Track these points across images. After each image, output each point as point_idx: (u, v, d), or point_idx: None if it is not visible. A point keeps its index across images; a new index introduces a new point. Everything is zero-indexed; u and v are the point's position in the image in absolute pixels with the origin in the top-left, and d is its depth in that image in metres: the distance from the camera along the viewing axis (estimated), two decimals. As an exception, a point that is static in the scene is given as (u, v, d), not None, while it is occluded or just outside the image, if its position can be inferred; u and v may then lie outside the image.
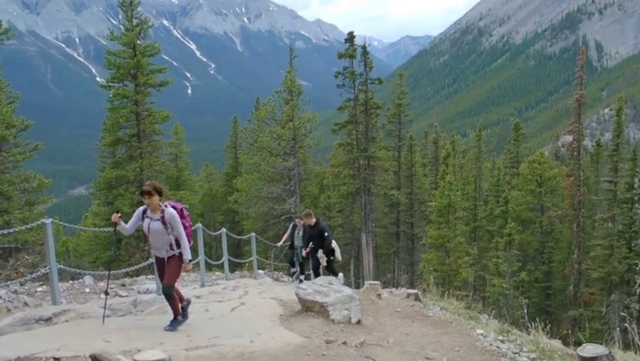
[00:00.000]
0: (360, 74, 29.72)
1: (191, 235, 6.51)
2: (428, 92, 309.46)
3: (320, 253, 11.61)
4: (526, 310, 24.42)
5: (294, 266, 13.30)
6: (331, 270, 11.99)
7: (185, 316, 6.50)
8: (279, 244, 14.30)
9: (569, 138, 31.14)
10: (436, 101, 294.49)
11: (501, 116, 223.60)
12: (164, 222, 6.10)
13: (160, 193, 6.17)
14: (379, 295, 9.64)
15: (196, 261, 11.50)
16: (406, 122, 38.09)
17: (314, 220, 11.88)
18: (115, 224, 6.11)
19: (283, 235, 14.21)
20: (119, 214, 6.05)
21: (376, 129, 31.50)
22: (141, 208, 6.24)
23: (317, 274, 11.92)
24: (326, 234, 11.63)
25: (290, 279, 13.50)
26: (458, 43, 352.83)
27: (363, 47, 29.99)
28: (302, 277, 12.84)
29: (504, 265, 26.66)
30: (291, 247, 13.26)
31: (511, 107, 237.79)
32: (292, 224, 13.45)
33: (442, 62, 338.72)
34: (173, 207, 6.25)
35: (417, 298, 9.65)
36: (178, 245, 6.21)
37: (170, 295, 6.21)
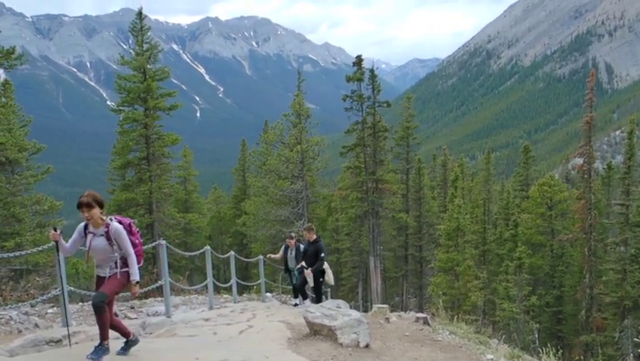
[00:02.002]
0: (368, 97, 29.86)
1: (142, 255, 5.80)
2: (436, 115, 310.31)
3: (307, 271, 11.13)
4: (537, 335, 24.13)
5: (297, 295, 12.72)
6: (318, 292, 11.54)
7: (124, 350, 5.69)
8: (267, 257, 14.07)
9: (579, 161, 31.03)
10: (444, 124, 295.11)
11: (510, 138, 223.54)
12: (108, 238, 5.39)
13: (101, 205, 5.38)
14: (388, 318, 9.56)
15: (204, 283, 11.50)
16: (414, 144, 38.16)
17: (314, 237, 11.36)
18: (55, 242, 5.43)
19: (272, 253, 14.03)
20: (59, 231, 5.35)
21: (384, 152, 31.53)
22: (82, 224, 5.46)
23: (303, 294, 11.63)
24: (322, 255, 11.19)
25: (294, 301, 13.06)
26: (466, 65, 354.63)
27: (371, 71, 30.19)
28: (297, 300, 12.54)
29: (514, 289, 26.40)
30: (286, 270, 12.94)
31: (520, 130, 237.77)
32: (284, 245, 12.99)
33: (450, 84, 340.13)
34: (120, 221, 5.54)
35: (426, 322, 9.56)
36: (124, 264, 5.49)
37: (101, 307, 5.27)
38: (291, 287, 13.89)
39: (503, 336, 13.07)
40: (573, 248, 31.94)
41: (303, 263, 11.36)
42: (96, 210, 5.31)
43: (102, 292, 5.33)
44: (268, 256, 14.18)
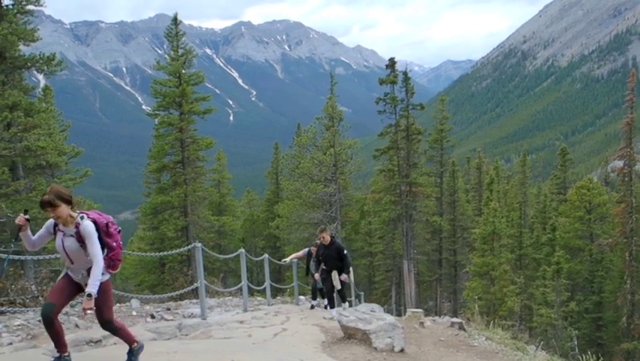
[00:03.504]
0: (401, 99, 29.75)
1: (120, 259, 5.06)
2: (470, 117, 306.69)
3: (336, 276, 10.61)
4: (576, 342, 23.61)
5: (315, 297, 12.76)
6: (342, 294, 11.19)
7: (132, 357, 5.22)
8: (285, 260, 14.05)
9: (619, 163, 30.25)
10: (478, 126, 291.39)
11: (546, 140, 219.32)
12: (79, 239, 4.66)
13: (68, 201, 4.63)
14: (422, 323, 9.46)
15: (239, 286, 11.56)
16: (448, 147, 37.84)
17: (329, 239, 10.76)
18: (19, 228, 4.69)
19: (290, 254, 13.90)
20: (27, 216, 4.70)
21: (418, 155, 31.35)
22: (52, 220, 4.79)
23: (331, 301, 11.07)
24: (345, 252, 10.68)
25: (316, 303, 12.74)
26: (501, 66, 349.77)
27: (405, 73, 30.05)
28: (319, 301, 12.48)
29: (552, 294, 25.87)
30: (307, 272, 12.84)
31: (557, 132, 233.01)
32: (307, 250, 12.91)
33: (485, 86, 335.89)
34: (94, 220, 4.76)
35: (461, 328, 9.43)
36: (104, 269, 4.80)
37: (113, 330, 5.06)
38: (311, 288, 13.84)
39: (541, 343, 12.82)
40: (613, 253, 31.17)
41: (323, 266, 10.89)
42: (63, 208, 4.61)
43: (104, 321, 4.95)
44: (289, 259, 14.03)
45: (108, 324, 4.96)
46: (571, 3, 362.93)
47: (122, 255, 5.11)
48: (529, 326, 28.77)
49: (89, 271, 4.70)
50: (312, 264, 12.27)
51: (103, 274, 4.74)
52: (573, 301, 27.09)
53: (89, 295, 4.55)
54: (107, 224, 4.86)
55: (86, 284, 4.66)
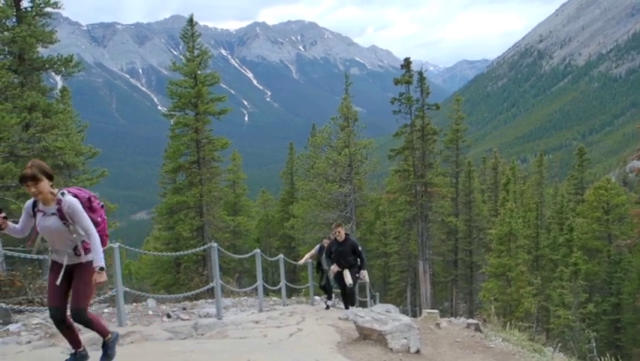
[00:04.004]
0: (416, 99, 29.67)
1: (107, 234, 4.82)
2: (485, 117, 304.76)
3: (347, 273, 10.24)
4: (594, 344, 23.32)
5: (329, 296, 12.54)
6: (352, 294, 10.95)
7: (109, 350, 4.84)
8: (300, 262, 13.88)
9: (637, 163, 29.92)
10: (494, 126, 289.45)
11: (563, 140, 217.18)
12: (62, 217, 4.37)
13: (50, 177, 4.37)
14: (438, 324, 9.42)
15: (254, 286, 11.59)
16: (464, 147, 37.63)
17: (344, 235, 10.41)
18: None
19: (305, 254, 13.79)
20: (3, 214, 4.35)
21: (433, 155, 31.23)
22: (30, 201, 4.50)
23: (346, 299, 10.93)
24: (360, 249, 10.38)
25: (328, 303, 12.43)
26: (517, 66, 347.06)
27: (420, 73, 29.97)
28: (330, 302, 12.26)
29: (569, 295, 25.62)
30: (319, 269, 12.76)
31: (574, 132, 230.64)
32: (319, 245, 12.80)
33: (500, 85, 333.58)
34: (75, 195, 4.48)
35: (477, 329, 9.37)
36: (89, 249, 4.48)
37: (86, 322, 4.60)
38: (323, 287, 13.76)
39: (559, 345, 12.70)
40: (632, 254, 30.79)
41: (334, 267, 10.56)
42: (44, 183, 4.31)
43: (78, 308, 4.48)
44: (304, 260, 13.89)
45: (81, 313, 4.50)
46: (588, 2, 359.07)
47: (108, 230, 4.82)
48: (547, 328, 28.54)
49: (75, 250, 4.47)
50: (324, 259, 12.07)
51: (86, 253, 4.49)
52: (591, 303, 26.81)
53: (101, 268, 4.37)
54: (89, 198, 4.57)
55: (75, 266, 4.47)
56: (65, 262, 4.48)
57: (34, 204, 4.46)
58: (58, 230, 4.39)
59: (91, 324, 4.62)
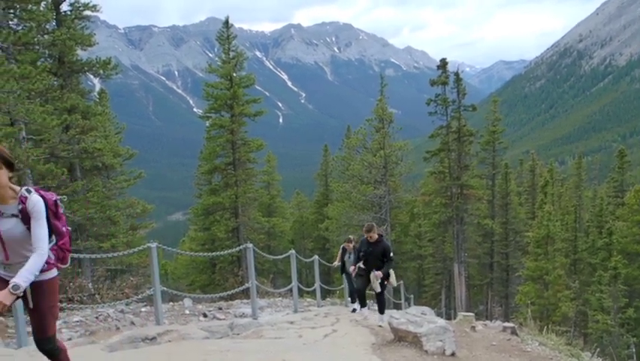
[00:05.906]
0: (452, 100, 29.41)
1: (69, 250, 3.70)
2: (523, 119, 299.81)
3: (378, 273, 9.50)
4: (633, 350, 22.75)
5: (354, 300, 12.13)
6: (382, 297, 10.18)
7: None
8: (335, 264, 13.68)
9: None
10: (531, 128, 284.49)
11: (602, 142, 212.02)
12: (25, 219, 3.33)
13: (10, 165, 3.31)
14: (473, 327, 9.31)
15: (289, 287, 11.65)
16: (500, 149, 37.06)
17: (376, 236, 9.62)
18: None
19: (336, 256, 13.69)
20: None
21: (469, 157, 30.90)
22: None
23: (362, 299, 10.51)
24: (391, 254, 9.75)
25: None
26: (555, 66, 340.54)
27: (456, 74, 29.68)
28: (355, 305, 11.54)
29: (608, 300, 25.01)
30: (343, 272, 12.64)
31: (614, 133, 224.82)
32: (342, 247, 12.55)
33: (538, 86, 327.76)
34: (42, 196, 3.41)
35: (513, 332, 9.22)
36: (51, 261, 3.49)
37: (55, 351, 3.58)
38: (348, 291, 13.57)
39: (597, 350, 12.41)
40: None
41: (361, 264, 9.85)
42: (3, 173, 3.25)
43: (44, 337, 3.49)
44: (337, 262, 13.73)
45: (48, 342, 3.52)
46: (630, 0, 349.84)
47: (69, 243, 3.72)
48: (584, 333, 27.94)
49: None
50: (348, 260, 11.85)
51: (48, 269, 3.48)
52: (631, 308, 26.13)
53: (16, 286, 3.10)
54: (55, 202, 3.55)
55: (36, 283, 3.36)
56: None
57: None
58: (18, 237, 3.35)
59: (58, 354, 3.61)
